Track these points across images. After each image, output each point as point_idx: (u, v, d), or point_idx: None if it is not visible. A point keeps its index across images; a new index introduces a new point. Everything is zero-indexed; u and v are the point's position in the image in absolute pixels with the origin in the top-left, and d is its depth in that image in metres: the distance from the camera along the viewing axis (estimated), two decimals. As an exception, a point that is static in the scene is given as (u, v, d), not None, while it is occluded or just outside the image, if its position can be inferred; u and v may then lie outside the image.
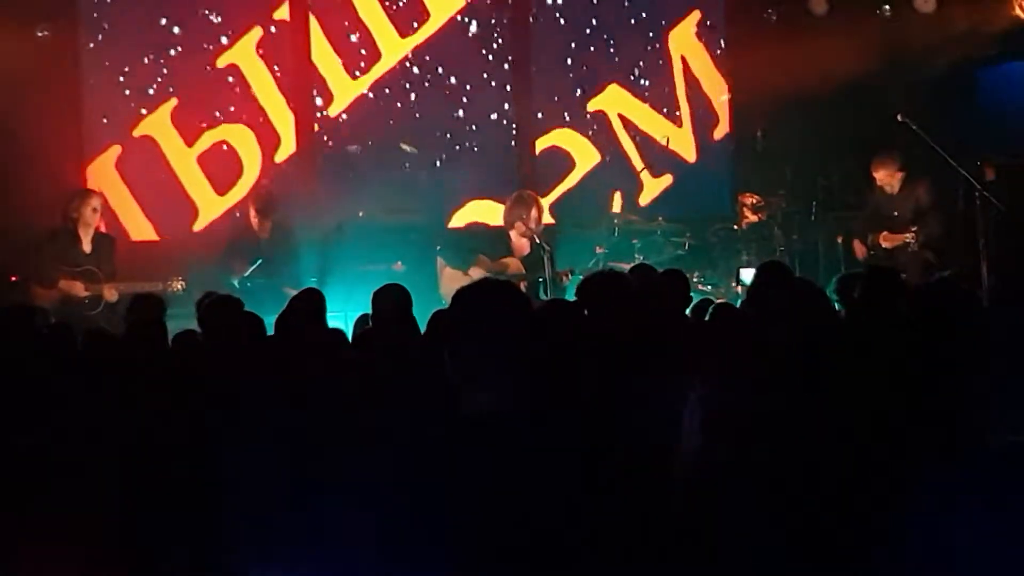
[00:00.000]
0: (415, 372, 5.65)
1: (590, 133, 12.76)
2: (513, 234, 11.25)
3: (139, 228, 11.84)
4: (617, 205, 12.19)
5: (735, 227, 12.40)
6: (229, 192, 11.95)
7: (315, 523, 4.18)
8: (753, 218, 12.33)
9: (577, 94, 12.72)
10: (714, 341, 5.30)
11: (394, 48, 12.21)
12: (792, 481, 3.46)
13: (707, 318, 6.79)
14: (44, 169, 11.28)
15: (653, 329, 5.56)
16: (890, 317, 5.41)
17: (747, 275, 10.95)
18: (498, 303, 3.45)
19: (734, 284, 11.56)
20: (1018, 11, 12.50)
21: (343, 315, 9.68)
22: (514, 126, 12.72)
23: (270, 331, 6.63)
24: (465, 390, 3.40)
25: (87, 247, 10.74)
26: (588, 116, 12.78)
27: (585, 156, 12.78)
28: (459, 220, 12.35)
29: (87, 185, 11.54)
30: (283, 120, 12.04)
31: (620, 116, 12.89)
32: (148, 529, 3.67)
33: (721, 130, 13.17)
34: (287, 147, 11.94)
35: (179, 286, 10.65)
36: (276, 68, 11.95)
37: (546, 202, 11.98)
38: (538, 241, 11.01)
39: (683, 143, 13.11)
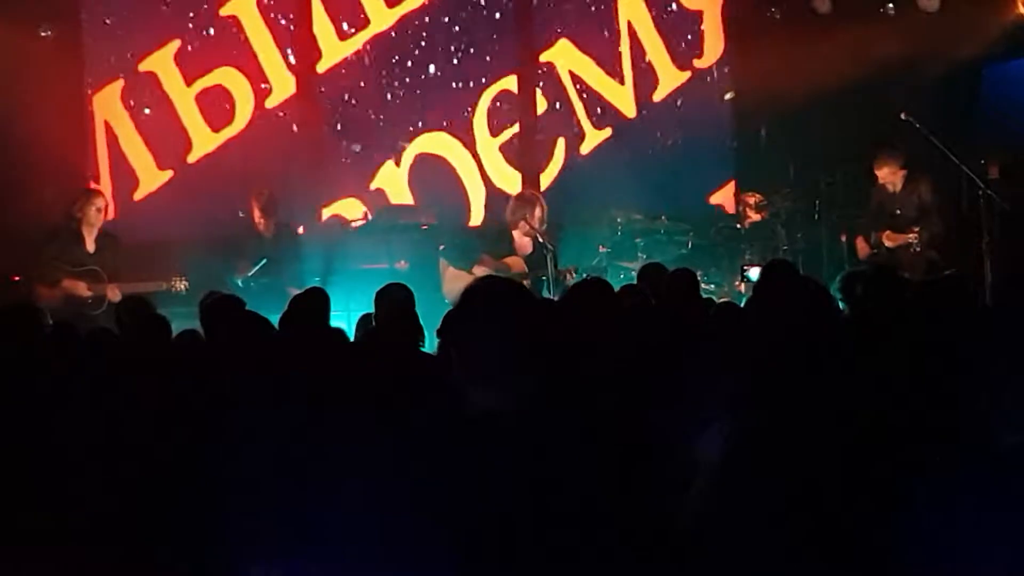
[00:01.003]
0: (419, 371, 5.65)
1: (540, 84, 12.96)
2: (516, 233, 11.26)
3: (140, 158, 11.96)
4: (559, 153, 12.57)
5: (738, 226, 12.39)
6: (222, 130, 12.12)
7: (318, 523, 4.18)
8: (756, 217, 12.33)
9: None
10: (719, 342, 5.29)
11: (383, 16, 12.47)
12: (796, 482, 3.45)
13: (709, 318, 6.77)
14: (47, 169, 11.28)
15: (662, 328, 5.55)
16: (893, 316, 5.40)
17: (754, 273, 10.93)
18: (504, 301, 3.45)
19: (739, 283, 11.54)
20: (1022, 9, 12.48)
21: (345, 314, 9.69)
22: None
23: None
24: (471, 389, 3.39)
25: (90, 247, 10.75)
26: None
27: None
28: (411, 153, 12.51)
29: (92, 115, 11.78)
30: (276, 70, 12.24)
31: (569, 71, 13.03)
32: (148, 528, 3.67)
33: (660, 92, 13.21)
34: (277, 96, 12.21)
35: (182, 286, 10.68)
36: (275, 16, 12.24)
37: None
38: (541, 240, 11.02)
39: (624, 100, 13.13)
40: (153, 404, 4.92)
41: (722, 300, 8.72)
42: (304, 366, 5.43)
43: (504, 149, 12.81)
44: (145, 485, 4.12)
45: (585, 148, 13.06)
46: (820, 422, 3.64)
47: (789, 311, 4.42)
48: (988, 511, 3.34)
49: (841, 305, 6.67)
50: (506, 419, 3.26)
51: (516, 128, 12.78)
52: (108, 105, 11.90)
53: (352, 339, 7.84)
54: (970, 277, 9.40)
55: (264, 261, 11.01)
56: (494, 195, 12.63)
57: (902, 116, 11.29)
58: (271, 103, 12.22)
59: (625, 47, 13.05)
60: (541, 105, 12.85)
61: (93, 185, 11.57)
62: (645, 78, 13.13)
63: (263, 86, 12.15)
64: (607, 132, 13.07)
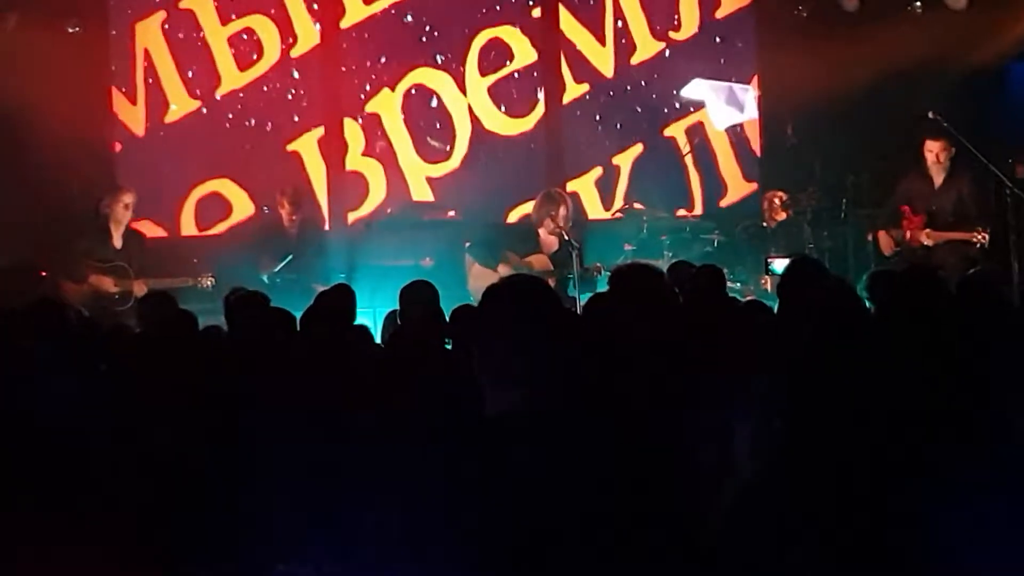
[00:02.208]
0: (443, 369, 5.64)
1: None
2: (542, 231, 11.27)
3: (173, 85, 12.35)
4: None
5: (764, 224, 12.36)
6: (248, 70, 12.50)
7: (341, 520, 4.18)
8: (782, 215, 12.29)
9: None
10: (748, 341, 5.27)
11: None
12: (827, 482, 3.44)
13: (737, 317, 6.73)
14: (74, 166, 11.33)
15: (690, 328, 5.53)
16: (924, 316, 5.36)
17: (779, 265, 10.84)
18: (528, 300, 3.43)
19: (764, 280, 11.50)
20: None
21: (371, 311, 9.69)
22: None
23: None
24: (493, 389, 3.37)
25: (117, 243, 10.80)
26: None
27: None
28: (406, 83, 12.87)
29: (134, 37, 12.18)
30: (304, 24, 12.63)
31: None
32: (172, 525, 3.67)
33: (638, 56, 13.28)
34: (302, 46, 12.62)
35: (208, 282, 10.73)
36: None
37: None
38: (567, 238, 11.01)
39: (603, 60, 13.24)
40: (179, 402, 4.92)
41: (748, 298, 8.70)
42: (329, 364, 5.44)
43: (492, 91, 12.98)
44: (171, 484, 4.12)
45: (566, 98, 13.21)
46: (850, 422, 3.62)
47: (817, 311, 4.40)
48: (1013, 509, 3.33)
49: (868, 304, 6.63)
50: (526, 420, 3.25)
51: (506, 71, 12.99)
52: (149, 33, 12.31)
53: (377, 336, 7.86)
54: (999, 274, 9.33)
55: (289, 257, 11.05)
56: (479, 133, 12.90)
57: (929, 115, 11.22)
58: (296, 53, 12.58)
59: (609, 10, 13.21)
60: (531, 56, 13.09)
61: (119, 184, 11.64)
62: (623, 42, 13.26)
63: (289, 40, 12.56)
64: (585, 87, 13.21)
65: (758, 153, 13.46)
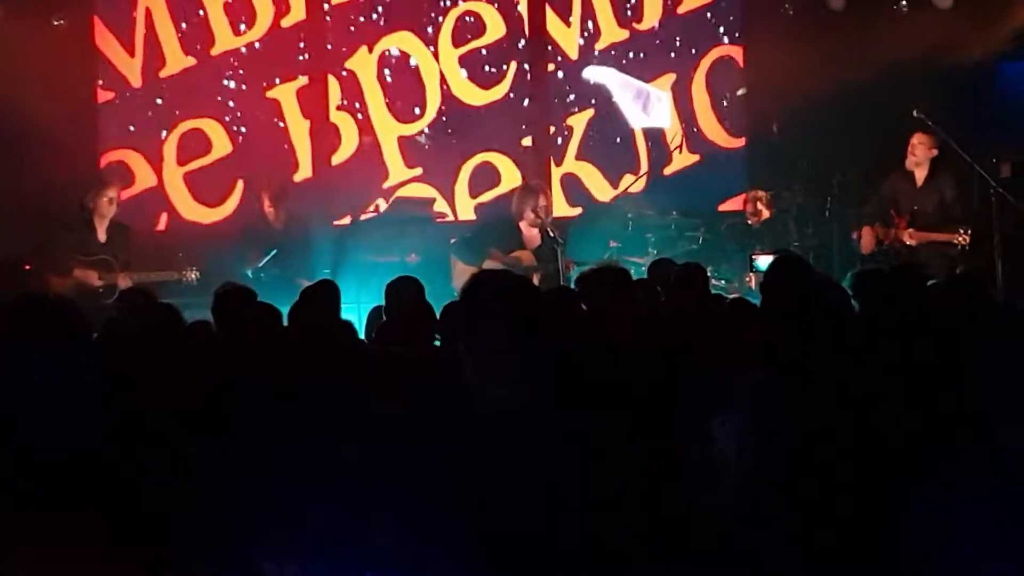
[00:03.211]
0: (431, 365, 5.64)
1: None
2: (523, 225, 11.25)
3: (169, 42, 12.62)
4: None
5: (749, 222, 12.38)
6: (241, 36, 12.76)
7: (327, 516, 4.17)
8: (767, 213, 12.31)
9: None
10: (733, 339, 5.27)
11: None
12: (808, 481, 3.45)
13: (722, 315, 6.74)
14: (58, 158, 11.32)
15: (671, 326, 5.55)
16: (910, 314, 5.38)
17: (764, 262, 10.85)
18: (512, 296, 3.43)
19: (749, 277, 11.53)
20: (1036, 6, 12.44)
21: (356, 307, 9.69)
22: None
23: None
24: (481, 385, 3.37)
25: (102, 236, 10.77)
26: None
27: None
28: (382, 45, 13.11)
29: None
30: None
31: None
32: (161, 525, 3.66)
33: (600, 44, 13.43)
34: (293, 17, 12.93)
35: (193, 276, 10.72)
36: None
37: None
38: (552, 234, 11.00)
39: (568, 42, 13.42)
40: (163, 395, 4.91)
41: (733, 296, 8.71)
42: (315, 359, 5.43)
43: (463, 60, 13.16)
44: (156, 477, 4.11)
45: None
46: (835, 419, 3.63)
47: (803, 309, 4.41)
48: (994, 510, 3.33)
49: (853, 302, 6.63)
50: (514, 417, 3.25)
51: (479, 42, 13.19)
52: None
53: (362, 332, 7.85)
54: (981, 276, 9.36)
55: (274, 252, 11.05)
56: (450, 102, 13.07)
57: (914, 113, 11.24)
58: (286, 23, 12.82)
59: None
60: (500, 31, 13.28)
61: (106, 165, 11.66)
62: (587, 26, 13.40)
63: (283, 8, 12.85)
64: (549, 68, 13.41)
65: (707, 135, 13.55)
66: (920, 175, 11.31)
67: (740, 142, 13.48)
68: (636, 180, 12.90)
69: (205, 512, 3.54)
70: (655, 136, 13.34)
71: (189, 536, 3.47)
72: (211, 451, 4.07)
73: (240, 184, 12.62)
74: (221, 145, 12.69)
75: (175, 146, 12.57)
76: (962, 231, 10.89)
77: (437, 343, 6.81)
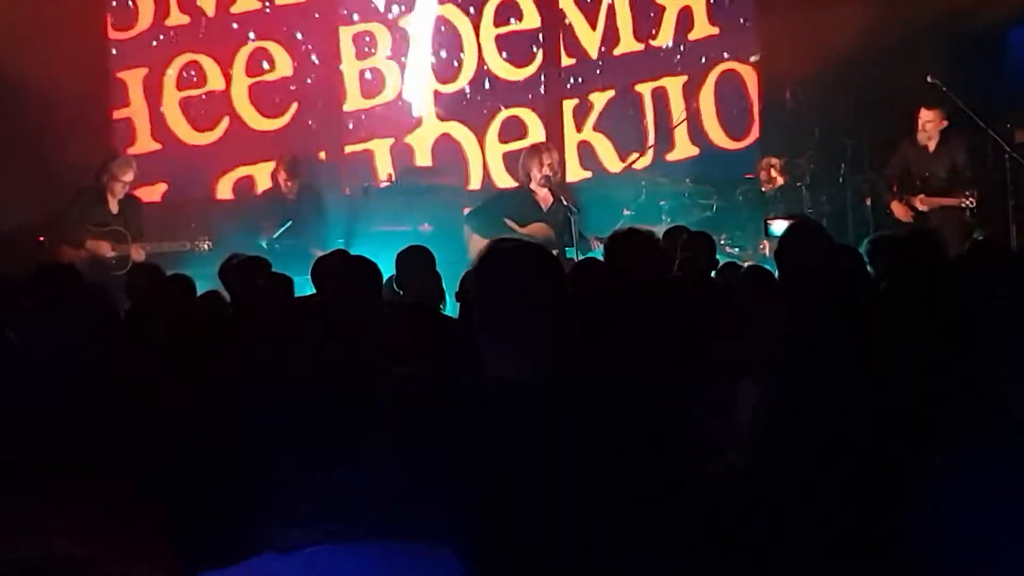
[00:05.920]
0: (444, 335, 5.63)
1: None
2: (533, 187, 11.17)
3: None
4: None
5: (763, 189, 12.34)
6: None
7: (335, 485, 4.15)
8: (780, 180, 12.27)
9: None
10: (750, 309, 5.24)
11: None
12: (827, 449, 3.43)
13: (738, 283, 6.71)
14: (70, 130, 11.31)
15: (684, 296, 5.52)
16: (928, 281, 5.35)
17: (778, 227, 10.78)
18: (528, 266, 3.40)
19: (763, 241, 11.48)
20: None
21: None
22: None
23: (298, 292, 6.61)
24: (492, 357, 3.35)
25: (114, 208, 10.78)
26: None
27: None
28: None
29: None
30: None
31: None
32: (172, 493, 3.67)
33: (619, 50, 13.57)
34: None
35: (206, 246, 10.74)
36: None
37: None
38: (565, 202, 10.93)
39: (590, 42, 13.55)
40: (178, 368, 4.91)
41: (747, 264, 8.68)
42: (331, 332, 5.42)
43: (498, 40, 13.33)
44: (166, 448, 4.12)
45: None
46: (851, 388, 3.61)
47: (818, 275, 4.39)
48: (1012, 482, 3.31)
49: (868, 268, 6.60)
50: (524, 388, 3.23)
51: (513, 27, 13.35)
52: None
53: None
54: (996, 242, 9.33)
55: (288, 223, 11.06)
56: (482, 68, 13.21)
57: (928, 79, 11.20)
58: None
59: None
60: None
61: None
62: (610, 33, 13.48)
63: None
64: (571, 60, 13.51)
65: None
66: (932, 144, 11.28)
67: (742, 144, 13.44)
68: (640, 156, 12.87)
69: (208, 480, 3.54)
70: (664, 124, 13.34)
71: (200, 505, 3.47)
72: (215, 421, 4.08)
73: (295, 105, 12.71)
74: (214, 80, 12.70)
75: (175, 78, 12.59)
76: (968, 194, 10.87)
77: (447, 312, 6.81)
